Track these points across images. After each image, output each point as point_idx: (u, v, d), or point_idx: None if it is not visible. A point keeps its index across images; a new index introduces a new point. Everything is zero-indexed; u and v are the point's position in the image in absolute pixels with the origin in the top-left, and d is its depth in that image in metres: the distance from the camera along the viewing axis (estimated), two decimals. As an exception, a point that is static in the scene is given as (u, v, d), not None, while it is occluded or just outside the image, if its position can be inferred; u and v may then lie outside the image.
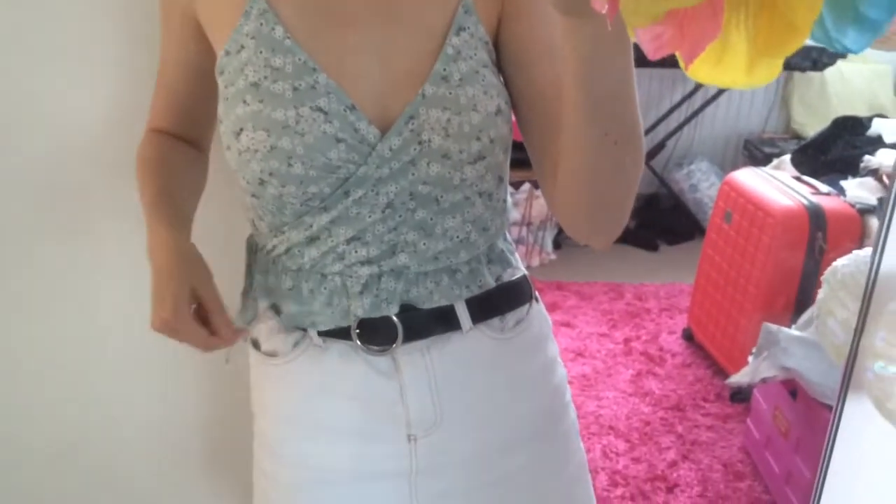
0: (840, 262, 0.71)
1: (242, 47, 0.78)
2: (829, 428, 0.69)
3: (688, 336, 2.92)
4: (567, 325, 3.03)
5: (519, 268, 0.93)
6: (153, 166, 0.90)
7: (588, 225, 0.79)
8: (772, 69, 0.31)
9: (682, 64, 0.32)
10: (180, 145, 0.94)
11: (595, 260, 3.61)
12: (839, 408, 0.67)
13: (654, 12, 0.31)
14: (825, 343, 0.71)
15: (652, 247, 3.81)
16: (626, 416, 2.47)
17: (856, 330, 0.64)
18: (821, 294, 0.68)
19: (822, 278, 0.68)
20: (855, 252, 0.68)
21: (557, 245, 3.64)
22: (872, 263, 0.58)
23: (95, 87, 1.13)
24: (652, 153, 3.86)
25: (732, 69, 0.31)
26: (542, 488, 0.94)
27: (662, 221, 3.95)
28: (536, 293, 0.96)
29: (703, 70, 0.32)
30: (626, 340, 2.94)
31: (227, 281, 0.93)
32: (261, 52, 0.77)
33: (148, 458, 1.35)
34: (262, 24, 0.78)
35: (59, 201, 1.17)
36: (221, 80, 0.80)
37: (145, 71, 1.03)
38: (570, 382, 1.00)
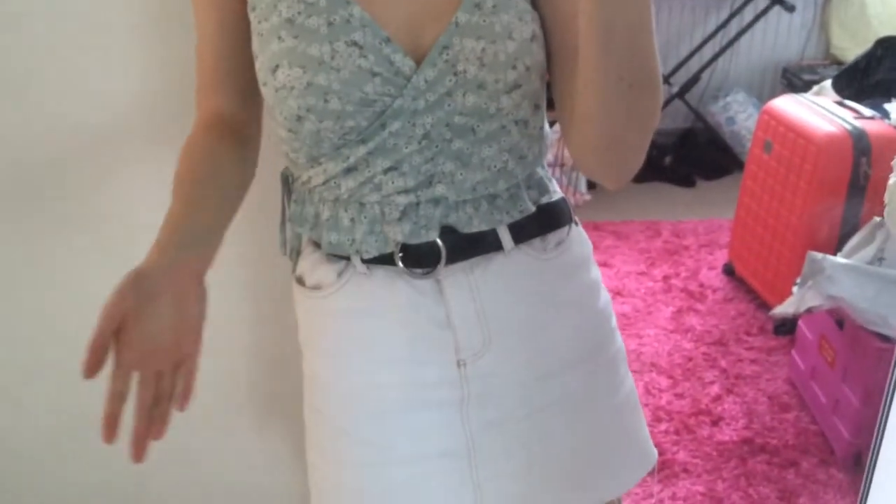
0: (913, 146, 0.68)
1: None
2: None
3: (729, 271, 2.88)
4: (605, 265, 3.00)
5: (557, 192, 0.92)
6: (191, 169, 0.82)
7: (598, 166, 0.78)
8: None
9: None
10: (229, 142, 0.85)
11: (631, 198, 3.56)
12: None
13: None
14: (895, 230, 0.68)
15: (689, 183, 3.74)
16: (667, 352, 2.46)
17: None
18: (891, 180, 0.64)
19: (892, 163, 0.64)
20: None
21: (591, 185, 3.58)
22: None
23: (118, 73, 1.13)
24: (686, 87, 3.75)
25: None
26: (595, 412, 0.93)
27: (699, 156, 3.86)
28: (576, 217, 0.94)
29: None
30: (666, 278, 2.91)
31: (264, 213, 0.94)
32: None
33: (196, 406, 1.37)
34: None
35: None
36: (254, 16, 0.80)
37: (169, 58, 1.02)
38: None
